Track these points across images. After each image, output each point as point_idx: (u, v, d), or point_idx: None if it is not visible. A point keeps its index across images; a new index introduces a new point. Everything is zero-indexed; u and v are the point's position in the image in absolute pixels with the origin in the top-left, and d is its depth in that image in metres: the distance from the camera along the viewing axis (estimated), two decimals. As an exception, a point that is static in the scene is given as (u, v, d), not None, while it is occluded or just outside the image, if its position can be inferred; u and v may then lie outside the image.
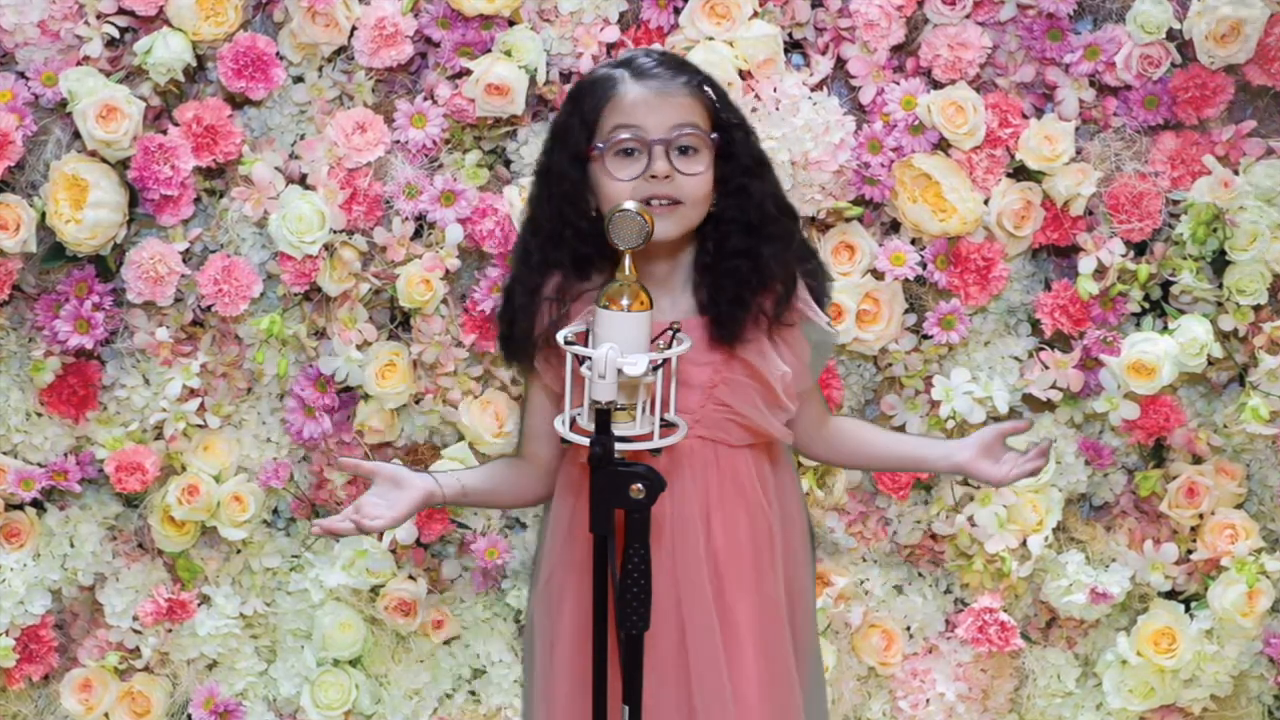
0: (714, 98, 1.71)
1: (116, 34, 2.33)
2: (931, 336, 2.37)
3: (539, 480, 1.84)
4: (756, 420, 1.75)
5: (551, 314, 1.72)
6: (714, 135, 1.68)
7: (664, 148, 1.65)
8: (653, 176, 1.65)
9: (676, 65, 1.72)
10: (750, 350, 1.74)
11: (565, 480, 1.81)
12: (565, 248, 1.72)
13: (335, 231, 2.32)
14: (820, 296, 1.82)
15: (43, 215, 2.32)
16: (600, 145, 1.66)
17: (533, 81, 2.31)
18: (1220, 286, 2.35)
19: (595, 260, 1.72)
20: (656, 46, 1.81)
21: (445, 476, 1.80)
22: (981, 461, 1.89)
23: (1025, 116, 2.35)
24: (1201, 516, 2.41)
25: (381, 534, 2.34)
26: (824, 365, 1.92)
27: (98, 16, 2.31)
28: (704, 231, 1.73)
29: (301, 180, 2.35)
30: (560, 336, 1.58)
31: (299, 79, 2.37)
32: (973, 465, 1.89)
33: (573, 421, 1.58)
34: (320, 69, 2.37)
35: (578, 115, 1.69)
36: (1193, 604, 2.43)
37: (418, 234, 2.37)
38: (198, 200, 2.37)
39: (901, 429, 2.40)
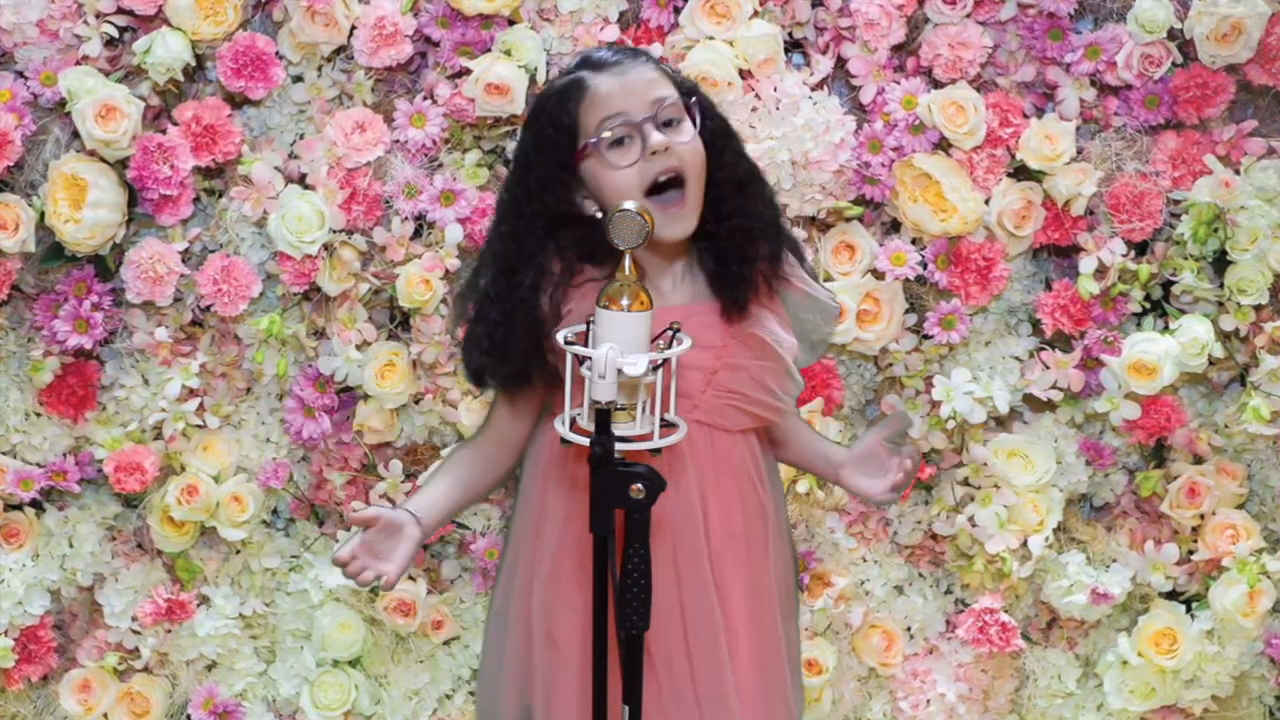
0: (669, 71, 1.75)
1: (115, 33, 2.32)
2: (932, 336, 2.37)
3: (512, 457, 1.83)
4: (761, 400, 1.76)
5: (555, 297, 1.70)
6: (694, 99, 1.71)
7: (652, 123, 1.66)
8: (653, 154, 1.66)
9: (627, 50, 1.76)
10: (756, 325, 1.75)
11: (561, 472, 1.77)
12: (549, 254, 1.71)
13: (335, 231, 2.32)
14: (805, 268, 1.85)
15: (42, 215, 2.32)
16: (593, 141, 1.66)
17: (532, 81, 2.31)
18: (1221, 286, 2.35)
19: (584, 265, 1.72)
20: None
21: (428, 516, 1.78)
22: (856, 474, 1.85)
23: (1026, 116, 2.34)
24: (1202, 517, 2.40)
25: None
26: (823, 347, 1.90)
27: (97, 16, 2.30)
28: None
29: (301, 180, 2.35)
30: (560, 336, 1.58)
31: (298, 78, 2.37)
32: (848, 477, 1.86)
33: (573, 421, 1.57)
34: (320, 68, 2.36)
35: (551, 126, 1.68)
36: (1194, 604, 2.42)
37: (417, 234, 2.37)
38: (197, 200, 2.37)
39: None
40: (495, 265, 1.74)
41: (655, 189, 1.67)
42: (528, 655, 1.81)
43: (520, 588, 1.83)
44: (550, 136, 1.69)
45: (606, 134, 1.66)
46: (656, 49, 2.31)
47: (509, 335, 1.71)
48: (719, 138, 1.75)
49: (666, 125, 1.68)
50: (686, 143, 1.69)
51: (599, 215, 1.69)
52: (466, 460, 1.85)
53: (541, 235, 1.71)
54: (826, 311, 1.86)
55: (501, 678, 1.86)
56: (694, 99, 1.73)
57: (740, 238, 1.74)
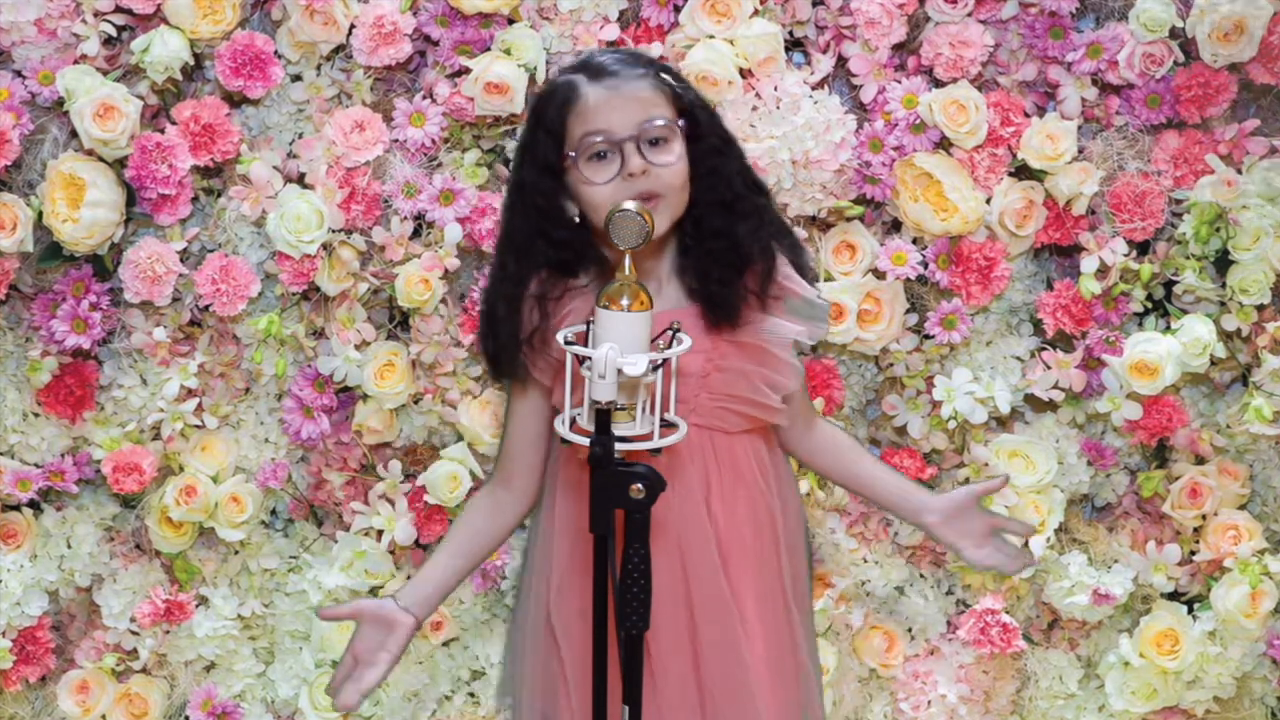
0: (672, 83, 1.71)
1: (114, 32, 2.32)
2: (933, 336, 2.37)
3: (522, 502, 1.84)
4: (757, 401, 1.76)
5: (535, 313, 1.74)
6: (681, 122, 1.69)
7: (634, 144, 1.65)
8: (630, 175, 1.65)
9: (631, 59, 1.73)
10: (749, 331, 1.75)
11: (566, 479, 1.80)
12: (540, 256, 1.73)
13: (333, 231, 2.32)
14: (802, 270, 1.82)
15: (39, 214, 2.31)
16: (572, 154, 1.67)
17: (532, 80, 2.31)
18: (1223, 286, 2.34)
19: (575, 264, 1.74)
20: (613, 48, 1.82)
21: (420, 599, 1.82)
22: (951, 529, 1.88)
23: (1027, 115, 2.34)
24: (1204, 517, 2.40)
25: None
26: (817, 341, 1.88)
27: (95, 14, 2.30)
28: (681, 216, 1.73)
29: (300, 179, 2.35)
30: (560, 336, 1.58)
31: (297, 77, 2.36)
32: (943, 533, 1.88)
33: (573, 421, 1.57)
34: (319, 67, 2.36)
35: (542, 127, 1.69)
36: (1196, 605, 2.42)
37: (416, 233, 2.36)
38: (195, 199, 2.36)
39: (904, 430, 2.40)
40: (497, 252, 1.79)
41: None
42: (545, 663, 1.83)
43: (535, 594, 1.85)
44: (540, 139, 1.69)
45: (586, 148, 1.65)
46: (656, 48, 2.30)
47: (492, 323, 1.76)
48: (710, 156, 1.72)
49: (653, 144, 1.66)
50: (669, 165, 1.67)
51: (577, 220, 1.70)
52: (477, 510, 1.87)
53: (533, 229, 1.72)
54: (814, 312, 1.82)
55: (523, 682, 1.88)
56: (684, 120, 1.69)
57: (720, 260, 1.72)
